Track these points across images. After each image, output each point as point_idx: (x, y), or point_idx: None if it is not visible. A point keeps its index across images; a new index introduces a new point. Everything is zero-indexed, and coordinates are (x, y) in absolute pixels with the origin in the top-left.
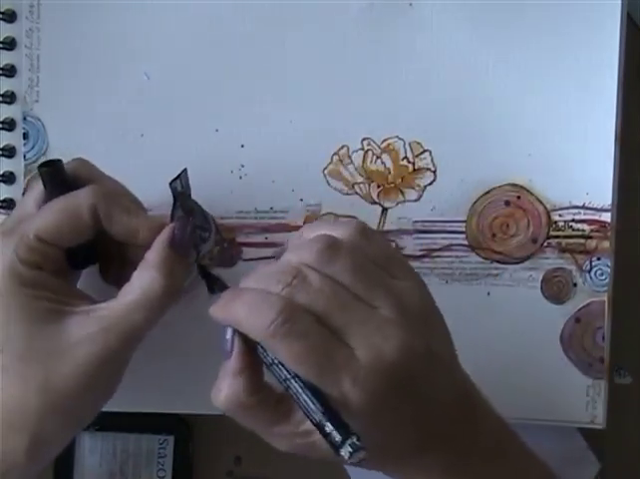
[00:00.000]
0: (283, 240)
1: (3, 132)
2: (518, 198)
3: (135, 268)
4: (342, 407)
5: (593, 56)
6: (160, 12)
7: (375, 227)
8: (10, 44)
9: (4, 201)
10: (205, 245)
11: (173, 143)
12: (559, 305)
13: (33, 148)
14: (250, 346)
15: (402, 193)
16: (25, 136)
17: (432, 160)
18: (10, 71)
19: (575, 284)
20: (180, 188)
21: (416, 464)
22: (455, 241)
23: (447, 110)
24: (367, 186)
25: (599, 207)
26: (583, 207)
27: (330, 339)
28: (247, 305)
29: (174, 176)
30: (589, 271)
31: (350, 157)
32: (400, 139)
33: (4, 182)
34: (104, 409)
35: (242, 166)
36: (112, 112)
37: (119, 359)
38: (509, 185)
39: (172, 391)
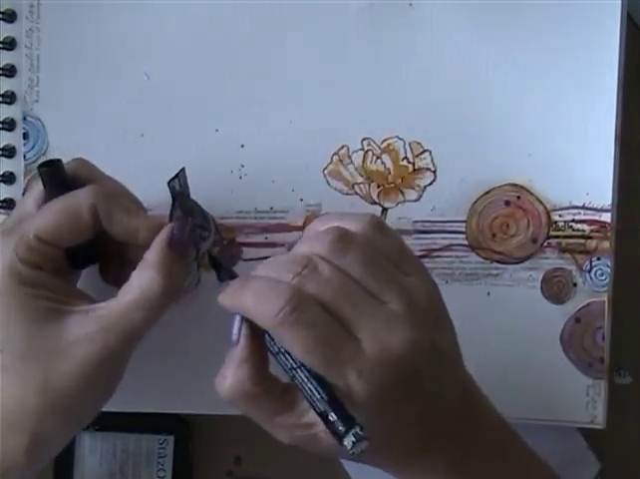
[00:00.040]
0: (283, 240)
1: (3, 132)
2: (518, 198)
3: (134, 268)
4: (347, 399)
5: (593, 56)
6: (161, 12)
7: None
8: (10, 44)
9: (4, 201)
10: (205, 244)
11: (173, 143)
12: (559, 305)
13: (33, 148)
14: (257, 335)
15: (402, 193)
16: (25, 136)
17: (432, 160)
18: (10, 71)
19: (575, 284)
20: (179, 187)
21: (420, 464)
22: (455, 242)
23: (447, 110)
24: (367, 186)
25: (599, 207)
26: (583, 207)
27: (338, 330)
28: (256, 293)
29: (173, 175)
30: (589, 271)
31: (350, 157)
32: (400, 139)
33: (4, 182)
34: (104, 409)
35: (242, 166)
36: (112, 112)
37: (118, 359)
38: (509, 185)
39: (172, 391)
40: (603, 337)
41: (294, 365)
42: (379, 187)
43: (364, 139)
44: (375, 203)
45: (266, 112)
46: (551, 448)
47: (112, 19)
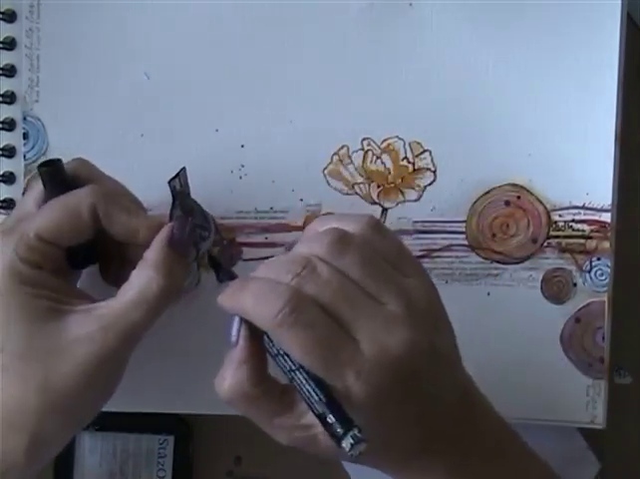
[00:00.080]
0: (283, 241)
1: (3, 132)
2: (518, 198)
3: (134, 268)
4: (345, 400)
5: (593, 56)
6: (161, 12)
7: None
8: (10, 44)
9: (4, 201)
10: (205, 244)
11: (173, 143)
12: (559, 305)
13: (33, 148)
14: (256, 336)
15: (402, 193)
16: (25, 136)
17: (432, 160)
18: (10, 71)
19: (575, 284)
20: (179, 186)
21: (419, 465)
22: (455, 242)
23: (447, 110)
24: (367, 186)
25: (599, 207)
26: (583, 207)
27: (336, 331)
28: (255, 294)
29: (173, 175)
30: (589, 272)
31: (350, 157)
32: (400, 139)
33: (4, 182)
34: (104, 409)
35: (242, 166)
36: (112, 112)
37: (118, 358)
38: (509, 185)
39: (172, 391)
40: (603, 337)
41: (293, 367)
42: (379, 187)
43: (364, 139)
44: (375, 203)
45: (266, 112)
46: (551, 448)
47: (112, 19)
